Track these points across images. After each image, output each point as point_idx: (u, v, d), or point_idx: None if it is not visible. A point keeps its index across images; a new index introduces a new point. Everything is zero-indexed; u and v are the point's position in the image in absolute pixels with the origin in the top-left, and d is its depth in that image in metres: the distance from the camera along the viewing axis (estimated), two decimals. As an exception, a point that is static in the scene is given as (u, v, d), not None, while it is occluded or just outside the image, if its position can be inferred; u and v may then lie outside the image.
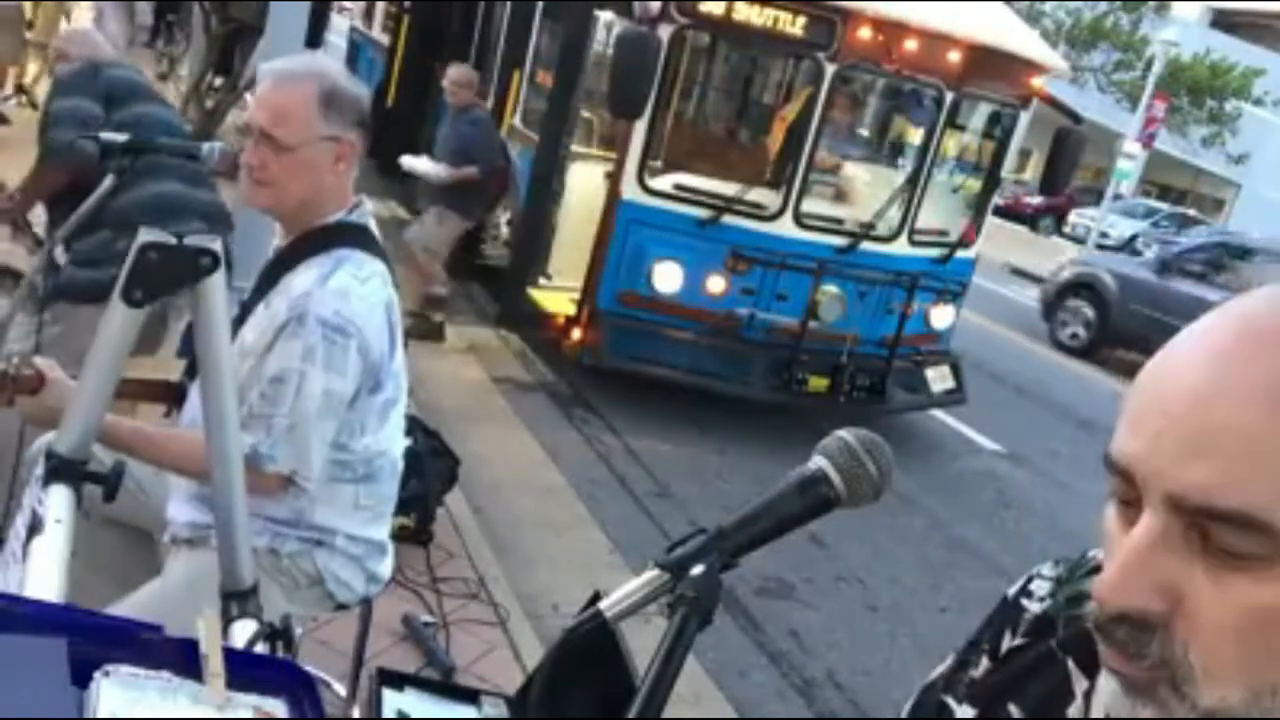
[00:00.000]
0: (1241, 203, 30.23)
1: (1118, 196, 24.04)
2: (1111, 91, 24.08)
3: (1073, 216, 26.50)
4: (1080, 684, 0.79)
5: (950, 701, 0.89)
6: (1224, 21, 31.51)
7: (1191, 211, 29.09)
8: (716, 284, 6.34)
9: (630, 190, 6.24)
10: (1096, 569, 0.83)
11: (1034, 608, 0.86)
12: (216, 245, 1.37)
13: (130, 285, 1.37)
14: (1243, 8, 31.38)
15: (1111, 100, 23.84)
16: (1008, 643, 0.87)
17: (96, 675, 0.90)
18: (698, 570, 0.87)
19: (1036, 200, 27.01)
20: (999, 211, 19.31)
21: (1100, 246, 23.28)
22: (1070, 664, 0.80)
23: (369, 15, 12.86)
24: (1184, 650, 0.61)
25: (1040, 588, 0.88)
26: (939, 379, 7.05)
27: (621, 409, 6.42)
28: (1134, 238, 25.23)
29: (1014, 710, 0.83)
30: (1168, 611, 0.61)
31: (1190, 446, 0.59)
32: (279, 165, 1.95)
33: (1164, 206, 28.57)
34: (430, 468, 4.07)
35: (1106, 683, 0.65)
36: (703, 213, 6.27)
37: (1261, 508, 0.57)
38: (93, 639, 0.94)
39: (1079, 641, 0.80)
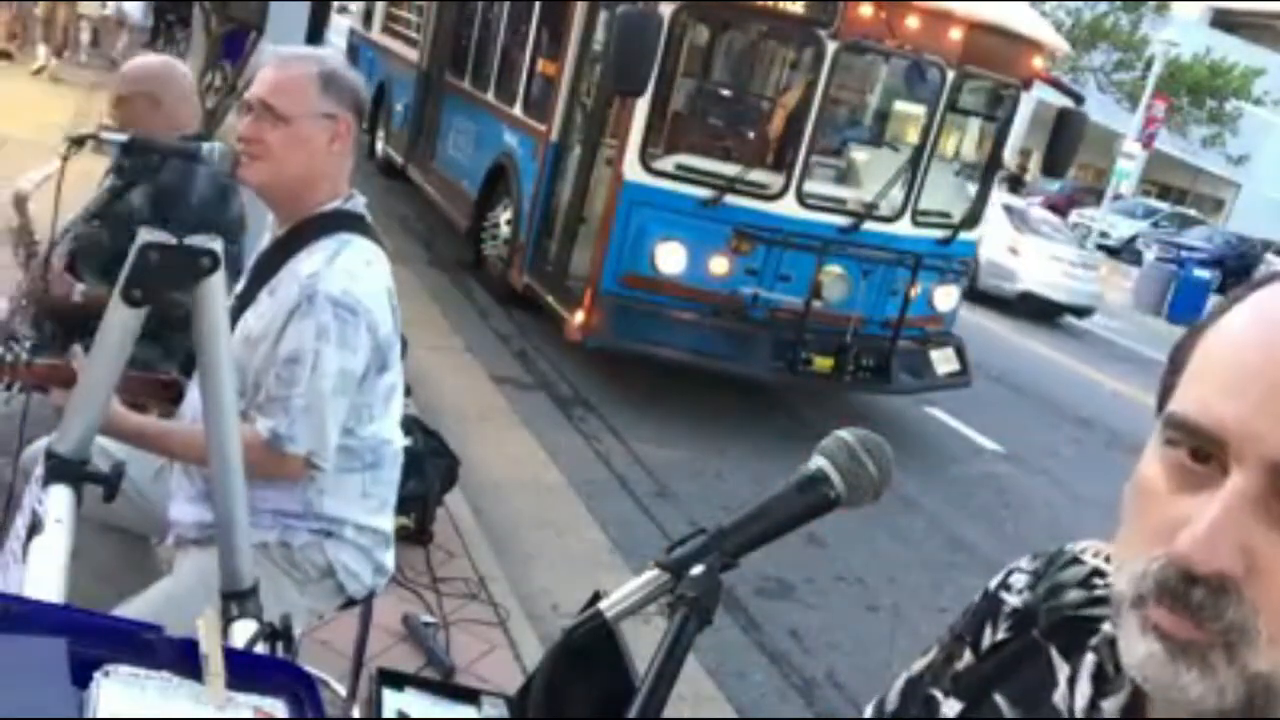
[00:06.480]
0: (1241, 203, 30.24)
1: (1118, 196, 24.04)
2: (1111, 91, 24.08)
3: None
4: (1063, 670, 0.80)
5: (937, 694, 0.90)
6: (1224, 21, 31.49)
7: (1191, 211, 29.10)
8: (720, 264, 6.34)
9: (632, 171, 6.24)
10: (1073, 561, 0.86)
11: (1013, 600, 0.88)
12: (216, 245, 1.37)
13: (130, 285, 1.37)
14: (1243, 8, 31.37)
15: (1111, 100, 23.83)
16: (989, 636, 0.88)
17: (96, 675, 0.90)
18: (698, 570, 0.87)
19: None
20: (999, 211, 19.31)
21: (1100, 247, 23.28)
22: (1053, 651, 0.82)
23: (368, 17, 12.87)
24: (1254, 613, 0.61)
25: (1019, 580, 0.89)
26: (943, 361, 7.06)
27: (621, 409, 6.42)
28: (1134, 238, 25.24)
29: (1000, 701, 0.84)
30: (1244, 575, 0.61)
31: None
32: (275, 137, 1.97)
33: (1164, 206, 28.57)
34: (430, 468, 4.07)
35: (1139, 646, 0.65)
36: (705, 193, 6.27)
37: None
38: (93, 639, 0.94)
39: (1060, 630, 0.82)
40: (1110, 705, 0.76)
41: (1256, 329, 0.65)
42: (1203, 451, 0.64)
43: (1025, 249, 13.64)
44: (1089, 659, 0.79)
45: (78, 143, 1.92)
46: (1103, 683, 0.78)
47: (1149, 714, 0.74)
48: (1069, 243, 15.04)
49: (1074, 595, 0.84)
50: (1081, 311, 14.52)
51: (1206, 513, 0.62)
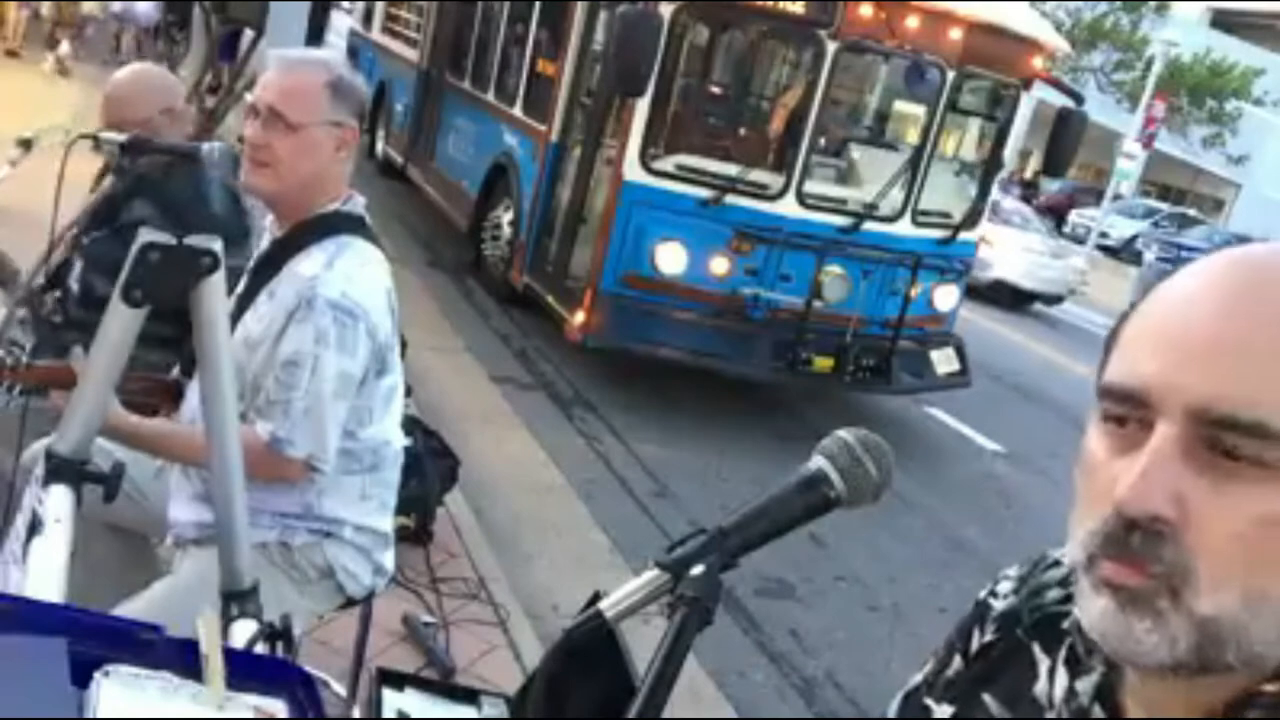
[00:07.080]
0: (1241, 203, 30.24)
1: (1118, 197, 24.04)
2: (1111, 91, 24.10)
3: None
4: (1043, 664, 0.83)
5: (930, 703, 0.92)
6: (1224, 21, 31.50)
7: (1191, 211, 29.09)
8: (720, 264, 6.35)
9: (632, 171, 6.25)
10: (1055, 563, 0.88)
11: (999, 605, 0.90)
12: (216, 245, 1.37)
13: (130, 285, 1.37)
14: (1243, 8, 31.37)
15: (1111, 100, 23.85)
16: (977, 640, 0.90)
17: (96, 675, 0.90)
18: (698, 570, 0.87)
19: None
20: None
21: (1100, 247, 23.29)
22: (1035, 648, 0.84)
23: (368, 17, 12.88)
24: (1192, 557, 0.63)
25: (1004, 587, 0.91)
26: (943, 361, 7.07)
27: (621, 409, 6.42)
28: (1134, 238, 25.24)
29: (989, 700, 0.86)
30: (1178, 520, 0.63)
31: (1215, 364, 0.64)
32: (284, 145, 1.97)
33: (1164, 206, 28.57)
34: (430, 468, 4.07)
35: (1093, 605, 0.67)
36: (705, 193, 6.27)
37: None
38: (93, 639, 0.94)
39: (1041, 627, 0.85)
40: (1084, 685, 0.78)
41: (1182, 294, 0.68)
42: (1129, 416, 0.67)
43: (996, 239, 13.83)
44: (1064, 646, 0.81)
45: (26, 145, 1.90)
46: (1076, 664, 0.79)
47: (1122, 690, 0.75)
48: (1040, 233, 15.27)
49: (1054, 594, 0.86)
50: (1052, 300, 14.85)
51: (1137, 463, 0.65)
